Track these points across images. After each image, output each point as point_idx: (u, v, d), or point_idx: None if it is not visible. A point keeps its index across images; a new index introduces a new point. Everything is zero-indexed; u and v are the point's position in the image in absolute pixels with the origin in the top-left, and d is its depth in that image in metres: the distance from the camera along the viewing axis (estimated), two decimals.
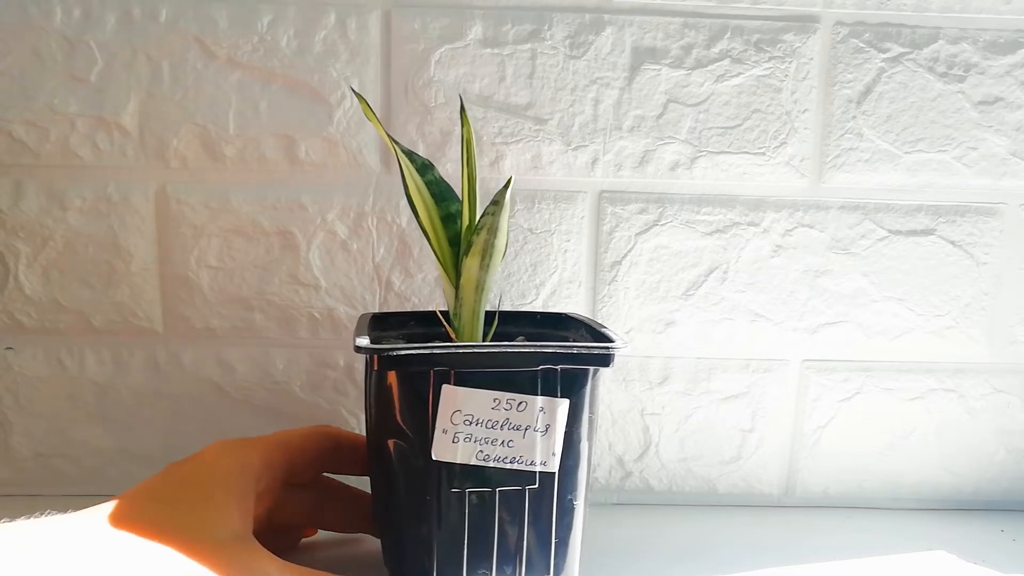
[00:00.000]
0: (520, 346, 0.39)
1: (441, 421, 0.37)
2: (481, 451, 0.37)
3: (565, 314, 0.49)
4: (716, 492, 0.57)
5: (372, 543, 0.48)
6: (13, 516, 0.53)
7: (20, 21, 0.50)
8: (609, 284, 0.54)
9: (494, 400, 0.37)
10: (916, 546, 0.50)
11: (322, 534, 0.48)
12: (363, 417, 0.55)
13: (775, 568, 0.47)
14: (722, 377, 0.55)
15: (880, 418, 0.56)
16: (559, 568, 0.40)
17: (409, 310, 0.52)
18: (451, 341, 0.44)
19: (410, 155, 0.44)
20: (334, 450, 0.44)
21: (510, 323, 0.48)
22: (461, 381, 0.37)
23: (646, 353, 0.55)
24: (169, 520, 0.34)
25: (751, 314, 0.55)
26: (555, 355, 0.38)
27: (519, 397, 0.37)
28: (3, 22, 0.50)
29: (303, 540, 0.47)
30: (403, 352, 0.37)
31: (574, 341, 0.45)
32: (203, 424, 0.54)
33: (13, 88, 0.51)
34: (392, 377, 0.38)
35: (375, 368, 0.37)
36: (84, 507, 0.37)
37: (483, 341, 0.44)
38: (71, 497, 0.54)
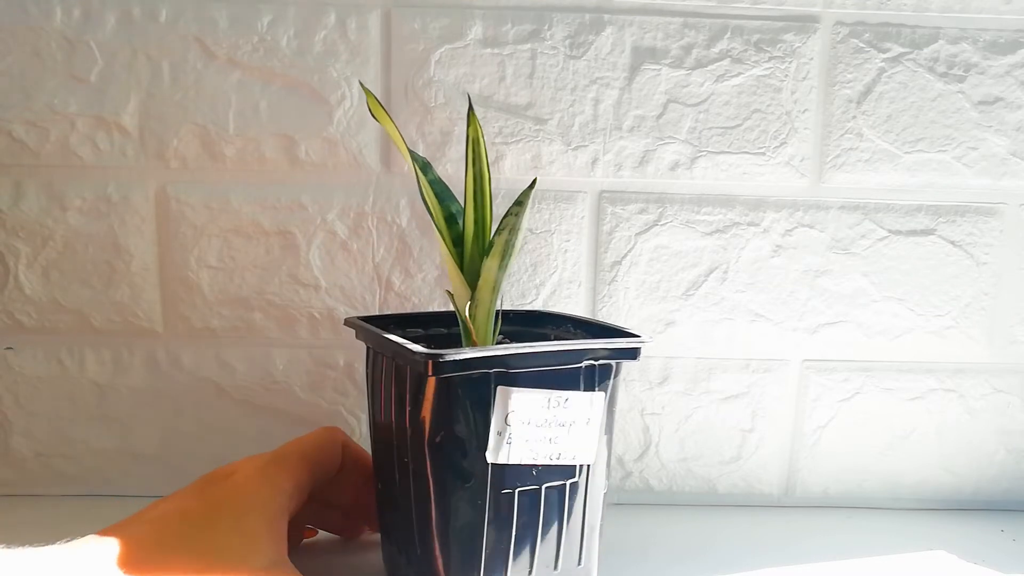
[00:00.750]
0: (570, 344, 0.39)
1: (496, 423, 0.37)
2: (531, 450, 0.37)
3: (539, 311, 0.50)
4: (716, 492, 0.57)
5: (374, 543, 0.48)
6: (13, 516, 0.53)
7: (20, 21, 0.50)
8: (609, 284, 0.54)
9: (546, 399, 0.37)
10: (916, 546, 0.50)
11: (322, 535, 0.48)
12: (364, 417, 0.55)
13: (775, 568, 0.47)
14: (722, 377, 0.55)
15: (880, 418, 0.56)
16: (587, 557, 0.41)
17: (390, 313, 0.52)
18: (468, 343, 0.43)
19: (412, 154, 0.43)
20: (341, 460, 0.44)
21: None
22: (511, 382, 0.37)
23: (646, 353, 0.55)
24: (208, 547, 0.33)
25: (751, 314, 0.55)
26: (598, 351, 0.39)
27: (566, 394, 0.38)
28: (3, 22, 0.50)
29: (303, 540, 0.47)
30: (463, 357, 0.36)
31: (557, 337, 0.46)
32: (203, 424, 0.54)
33: (13, 88, 0.51)
34: (443, 382, 0.36)
35: (429, 373, 0.35)
36: (84, 507, 0.36)
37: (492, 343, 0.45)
38: (71, 497, 0.54)
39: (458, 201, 0.44)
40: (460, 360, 0.35)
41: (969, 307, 0.55)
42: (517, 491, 0.38)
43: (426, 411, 0.37)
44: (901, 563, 0.48)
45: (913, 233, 0.54)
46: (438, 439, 0.37)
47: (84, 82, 0.51)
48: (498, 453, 0.37)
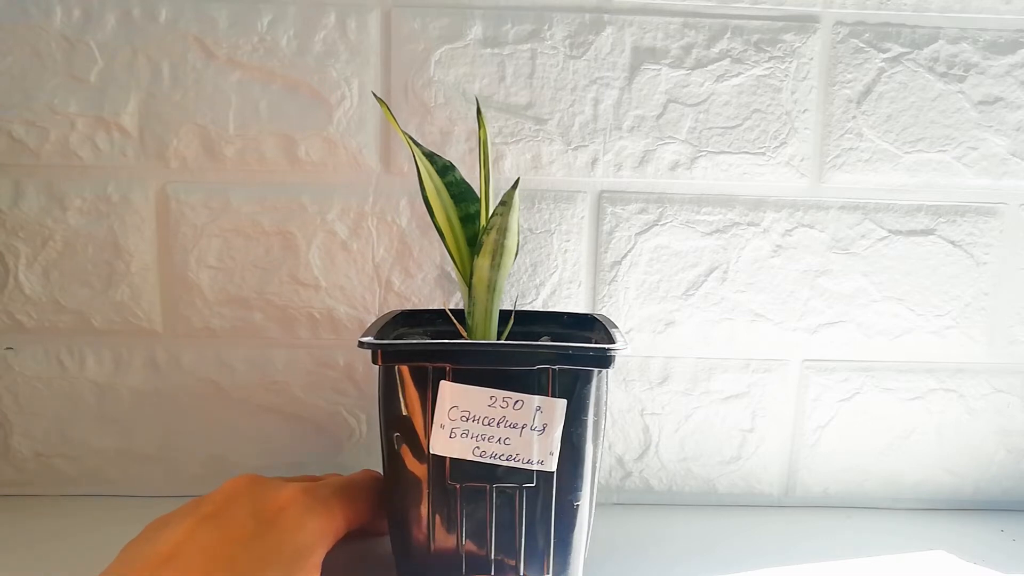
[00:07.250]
0: (516, 345, 0.39)
1: (439, 416, 0.38)
2: (478, 447, 0.38)
3: (592, 315, 0.48)
4: (716, 492, 0.57)
5: (379, 542, 0.48)
6: (13, 516, 0.53)
7: (20, 21, 0.50)
8: (609, 284, 0.54)
9: (491, 398, 0.38)
10: (916, 546, 0.50)
11: None
12: (364, 417, 0.55)
13: (775, 568, 0.47)
14: (722, 377, 0.55)
15: (880, 418, 0.56)
16: (560, 569, 0.40)
17: (436, 308, 0.52)
18: (462, 339, 0.44)
19: (431, 156, 0.44)
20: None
21: (536, 323, 0.49)
22: (462, 378, 0.38)
23: (646, 353, 0.55)
24: None
25: (751, 314, 0.55)
26: (552, 355, 0.38)
27: (515, 396, 0.38)
28: (3, 22, 0.50)
29: None
30: (403, 347, 0.38)
31: (585, 343, 0.45)
32: (203, 424, 0.54)
33: (13, 88, 0.51)
34: (394, 372, 0.38)
35: (379, 362, 0.38)
36: (84, 507, 0.36)
37: (497, 340, 0.45)
38: (71, 497, 0.54)
39: (479, 201, 0.44)
40: (399, 351, 0.38)
41: (969, 307, 0.55)
42: (463, 486, 0.38)
43: (384, 398, 0.39)
44: (901, 563, 0.48)
45: (913, 233, 0.54)
46: (392, 426, 0.39)
47: (84, 82, 0.51)
48: (441, 445, 0.38)
